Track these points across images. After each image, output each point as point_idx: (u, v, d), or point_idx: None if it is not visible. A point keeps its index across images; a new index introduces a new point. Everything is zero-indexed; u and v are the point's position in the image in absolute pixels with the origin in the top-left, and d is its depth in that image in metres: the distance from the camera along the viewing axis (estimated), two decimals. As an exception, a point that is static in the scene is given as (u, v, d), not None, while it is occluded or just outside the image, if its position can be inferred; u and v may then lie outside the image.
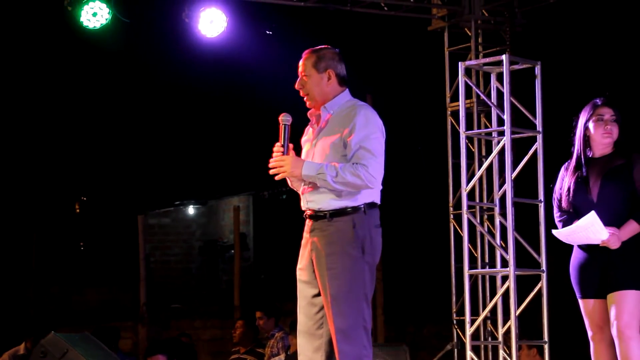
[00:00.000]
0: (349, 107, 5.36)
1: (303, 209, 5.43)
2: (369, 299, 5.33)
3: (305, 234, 5.42)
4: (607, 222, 5.68)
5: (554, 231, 5.90)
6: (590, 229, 5.66)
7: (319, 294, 5.34)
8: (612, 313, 5.67)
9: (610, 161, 5.80)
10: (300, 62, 5.43)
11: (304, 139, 5.51)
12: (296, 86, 5.43)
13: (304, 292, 5.41)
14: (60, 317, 15.07)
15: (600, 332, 5.82)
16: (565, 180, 5.90)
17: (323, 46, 5.46)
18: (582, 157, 5.85)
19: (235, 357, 10.32)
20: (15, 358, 11.77)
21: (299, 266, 5.45)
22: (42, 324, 12.90)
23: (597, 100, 5.87)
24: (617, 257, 5.72)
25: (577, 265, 5.87)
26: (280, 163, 5.31)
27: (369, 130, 5.27)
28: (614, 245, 5.67)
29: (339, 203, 5.28)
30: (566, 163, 5.99)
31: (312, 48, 5.45)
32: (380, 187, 5.36)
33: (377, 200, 5.37)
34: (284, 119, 5.33)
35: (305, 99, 5.44)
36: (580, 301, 5.89)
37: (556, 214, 5.95)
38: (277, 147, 5.32)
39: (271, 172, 5.36)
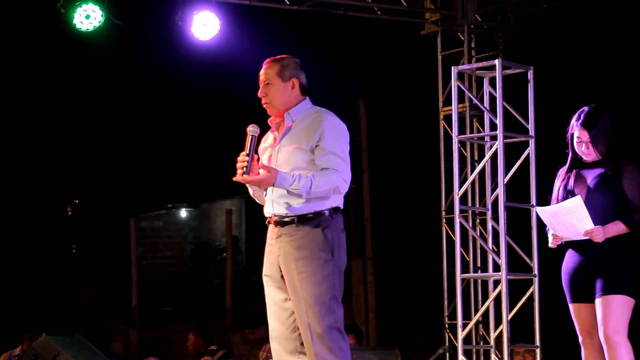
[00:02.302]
0: (313, 114, 5.43)
1: (267, 215, 5.48)
2: (340, 302, 5.36)
3: (271, 241, 5.46)
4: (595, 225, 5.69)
5: (538, 208, 5.89)
6: (574, 214, 5.65)
7: (289, 299, 5.38)
8: (600, 318, 5.67)
9: (601, 166, 5.81)
10: (262, 71, 5.48)
11: (262, 145, 5.54)
12: (259, 94, 5.48)
13: (274, 297, 5.45)
14: (52, 320, 15.05)
15: (590, 337, 5.82)
16: (556, 183, 5.92)
17: (284, 55, 5.53)
18: (574, 161, 5.86)
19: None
20: (11, 359, 11.78)
21: (265, 273, 5.49)
22: (34, 326, 12.88)
23: (577, 120, 5.82)
24: (604, 261, 5.72)
25: (567, 269, 5.87)
26: (254, 182, 5.32)
27: (337, 135, 5.35)
28: (598, 238, 5.67)
29: (307, 208, 5.33)
30: (564, 166, 5.98)
31: (273, 57, 5.52)
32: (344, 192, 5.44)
33: (341, 205, 5.45)
34: (252, 129, 5.37)
35: (266, 107, 5.49)
36: (570, 305, 5.89)
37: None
38: (242, 157, 5.34)
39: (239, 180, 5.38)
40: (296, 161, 5.35)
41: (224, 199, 17.98)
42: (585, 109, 5.83)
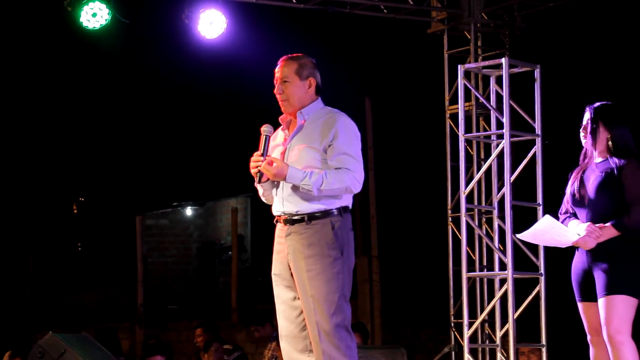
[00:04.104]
0: (326, 114, 5.44)
1: (276, 213, 5.48)
2: (348, 300, 5.37)
3: (279, 239, 5.47)
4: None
5: (517, 235, 5.93)
6: (552, 231, 5.68)
7: (298, 297, 5.38)
8: (602, 318, 5.67)
9: (607, 165, 5.81)
10: (278, 68, 5.47)
11: (272, 143, 5.52)
12: (275, 91, 5.47)
13: (283, 296, 5.46)
14: (58, 318, 15.07)
15: (598, 335, 5.82)
16: (569, 183, 5.92)
17: (300, 54, 5.53)
18: (582, 160, 5.87)
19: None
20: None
21: (274, 272, 5.50)
22: (40, 324, 12.90)
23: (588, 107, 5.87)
24: (606, 261, 5.70)
25: (575, 268, 5.88)
26: (266, 168, 5.33)
27: (351, 136, 5.37)
28: (589, 245, 5.66)
29: (317, 206, 5.34)
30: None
31: (289, 55, 5.51)
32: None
33: (350, 205, 5.46)
34: (266, 130, 5.40)
35: (282, 104, 5.48)
36: (579, 304, 5.89)
37: (559, 215, 5.96)
38: (256, 157, 5.38)
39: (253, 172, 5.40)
40: (308, 160, 5.35)
41: (229, 197, 17.98)
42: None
